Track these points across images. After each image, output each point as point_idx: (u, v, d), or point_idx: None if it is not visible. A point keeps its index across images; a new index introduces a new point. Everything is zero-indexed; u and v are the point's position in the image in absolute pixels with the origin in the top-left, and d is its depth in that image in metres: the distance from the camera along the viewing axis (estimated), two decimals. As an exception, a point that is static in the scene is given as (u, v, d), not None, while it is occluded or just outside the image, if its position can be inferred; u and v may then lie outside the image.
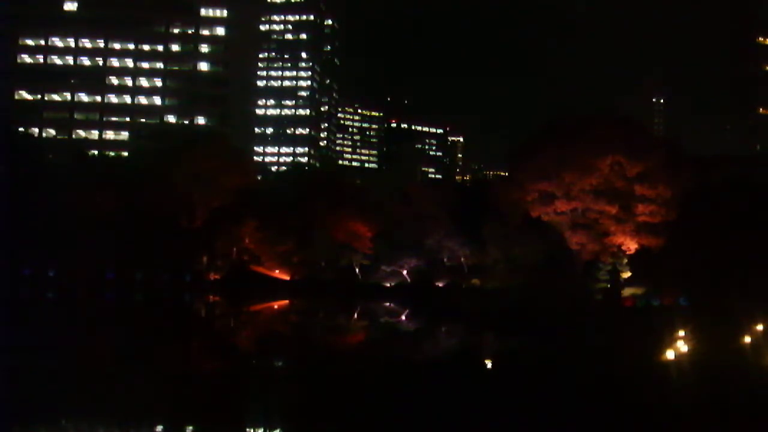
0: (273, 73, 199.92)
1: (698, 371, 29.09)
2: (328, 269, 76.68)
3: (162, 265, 72.13)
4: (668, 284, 60.78)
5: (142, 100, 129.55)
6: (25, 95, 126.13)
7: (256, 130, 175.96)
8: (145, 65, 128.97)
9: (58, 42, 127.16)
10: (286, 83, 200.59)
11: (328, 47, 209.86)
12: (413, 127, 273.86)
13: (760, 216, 60.64)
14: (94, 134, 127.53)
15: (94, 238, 66.18)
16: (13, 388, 25.62)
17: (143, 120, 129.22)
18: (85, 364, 31.62)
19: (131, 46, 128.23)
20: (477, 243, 72.28)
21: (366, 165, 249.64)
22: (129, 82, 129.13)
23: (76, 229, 66.26)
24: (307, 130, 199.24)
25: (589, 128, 64.34)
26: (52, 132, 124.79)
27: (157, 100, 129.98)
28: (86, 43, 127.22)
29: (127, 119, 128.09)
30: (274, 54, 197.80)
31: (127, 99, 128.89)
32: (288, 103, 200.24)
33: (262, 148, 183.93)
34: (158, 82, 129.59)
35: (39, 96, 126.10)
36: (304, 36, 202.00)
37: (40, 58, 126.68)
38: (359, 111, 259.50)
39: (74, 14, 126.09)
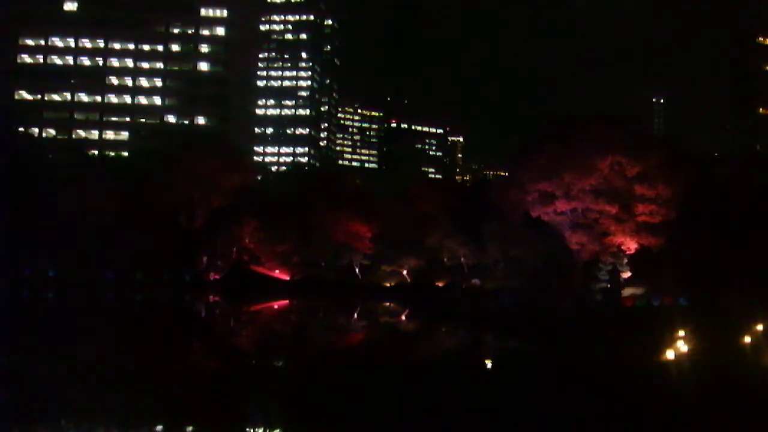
0: (273, 73, 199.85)
1: (698, 371, 29.10)
2: (328, 269, 76.62)
3: (162, 265, 72.06)
4: (668, 284, 60.71)
5: (142, 100, 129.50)
6: (25, 95, 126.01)
7: (256, 130, 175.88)
8: (145, 65, 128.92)
9: (58, 42, 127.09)
10: (286, 83, 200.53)
11: (328, 47, 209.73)
12: (413, 127, 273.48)
13: (760, 216, 60.65)
14: (94, 134, 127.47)
15: (94, 238, 66.16)
16: (13, 388, 25.64)
17: (143, 120, 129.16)
18: (85, 364, 31.61)
19: (131, 46, 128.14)
20: (477, 243, 72.23)
21: (366, 165, 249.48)
22: (129, 82, 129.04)
23: (77, 229, 66.20)
24: (307, 130, 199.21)
25: (588, 128, 64.31)
26: (52, 132, 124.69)
27: (157, 100, 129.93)
28: (86, 43, 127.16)
29: (127, 119, 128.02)
30: (274, 54, 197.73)
31: (127, 99, 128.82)
32: (288, 103, 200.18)
33: (262, 148, 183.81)
34: (158, 82, 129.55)
35: (39, 96, 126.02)
36: (304, 36, 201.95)
37: (40, 58, 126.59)
38: (359, 111, 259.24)
39: (74, 14, 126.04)
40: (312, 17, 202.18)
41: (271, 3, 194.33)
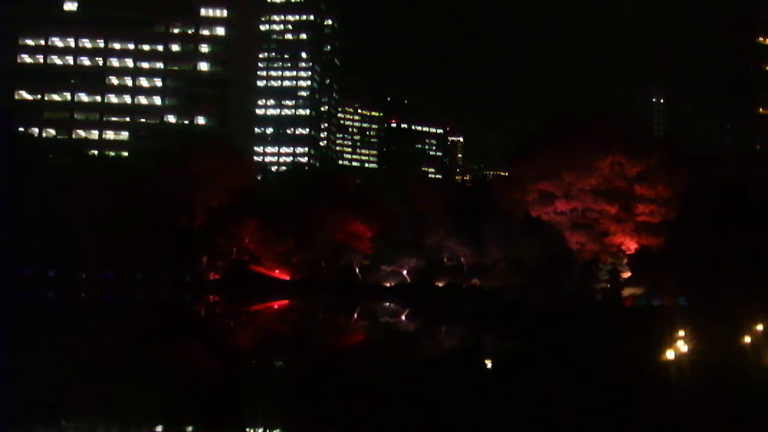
0: (273, 73, 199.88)
1: (698, 371, 29.12)
2: (328, 269, 76.56)
3: (162, 265, 72.07)
4: (668, 284, 60.83)
5: (142, 100, 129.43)
6: (25, 95, 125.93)
7: (256, 130, 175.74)
8: (145, 65, 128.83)
9: (58, 42, 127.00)
10: (286, 83, 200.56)
11: (328, 47, 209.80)
12: (413, 127, 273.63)
13: (760, 216, 60.73)
14: (94, 134, 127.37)
15: (94, 238, 66.17)
16: (13, 388, 25.64)
17: (143, 120, 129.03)
18: (85, 364, 31.62)
19: (131, 46, 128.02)
20: (477, 243, 72.21)
21: (366, 165, 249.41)
22: (129, 82, 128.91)
23: (77, 228, 66.23)
24: (307, 130, 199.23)
25: (589, 128, 64.33)
26: (52, 132, 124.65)
27: (157, 100, 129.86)
28: (86, 43, 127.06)
29: (127, 119, 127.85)
30: (274, 54, 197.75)
31: (127, 99, 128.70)
32: (288, 103, 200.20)
33: (262, 148, 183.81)
34: (158, 82, 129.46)
35: (39, 96, 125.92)
36: (304, 36, 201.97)
37: (40, 58, 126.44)
38: (359, 111, 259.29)
39: (74, 14, 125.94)
40: (312, 17, 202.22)
41: (271, 3, 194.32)
